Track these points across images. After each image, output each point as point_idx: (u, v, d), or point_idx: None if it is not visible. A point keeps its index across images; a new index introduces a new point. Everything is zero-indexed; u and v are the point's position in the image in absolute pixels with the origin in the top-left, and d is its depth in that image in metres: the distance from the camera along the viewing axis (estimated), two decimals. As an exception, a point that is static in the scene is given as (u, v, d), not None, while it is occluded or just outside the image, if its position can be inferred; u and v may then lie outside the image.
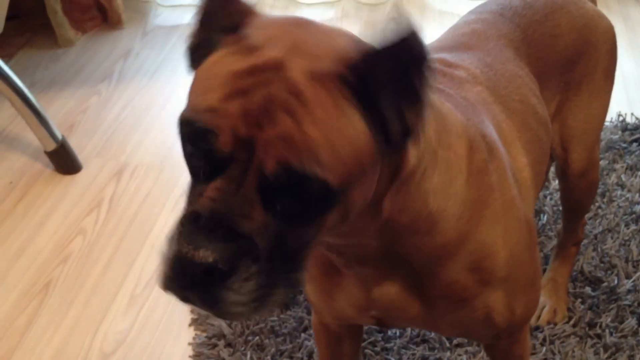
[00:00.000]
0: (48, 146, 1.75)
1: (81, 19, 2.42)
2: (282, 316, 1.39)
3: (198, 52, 0.65)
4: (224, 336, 1.37)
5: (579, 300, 1.44)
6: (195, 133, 0.59)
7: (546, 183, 1.69)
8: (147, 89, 2.13)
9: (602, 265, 1.51)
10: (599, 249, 1.55)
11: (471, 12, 1.13)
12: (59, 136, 1.75)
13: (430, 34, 2.44)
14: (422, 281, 0.80)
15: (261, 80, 0.58)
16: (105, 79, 2.18)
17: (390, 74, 0.59)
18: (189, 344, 1.36)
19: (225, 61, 0.61)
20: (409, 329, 1.38)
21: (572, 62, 1.11)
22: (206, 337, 1.37)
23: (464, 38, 1.04)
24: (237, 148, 0.58)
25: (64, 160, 1.78)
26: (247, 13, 0.64)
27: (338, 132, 0.58)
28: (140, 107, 2.06)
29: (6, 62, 1.68)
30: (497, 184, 0.81)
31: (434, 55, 0.98)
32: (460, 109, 0.82)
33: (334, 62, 0.59)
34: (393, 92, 0.60)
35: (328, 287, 0.88)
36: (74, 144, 1.83)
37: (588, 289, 1.46)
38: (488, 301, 0.83)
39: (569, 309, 1.42)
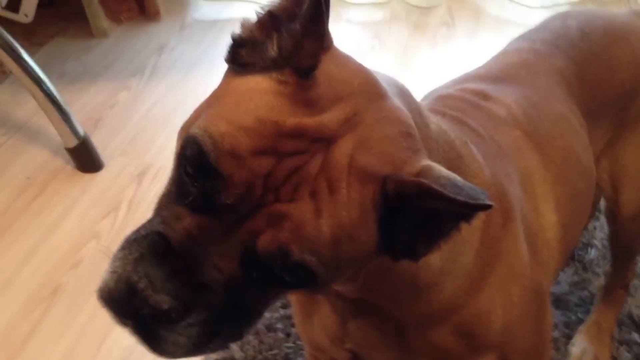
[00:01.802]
0: (69, 142, 1.74)
1: (117, 9, 2.42)
2: (298, 343, 1.35)
3: (242, 49, 0.60)
4: (234, 359, 1.33)
5: (624, 346, 1.38)
6: (203, 165, 0.54)
7: (597, 213, 1.62)
8: (179, 87, 2.11)
9: (652, 310, 1.44)
10: (651, 292, 1.47)
11: (523, 38, 1.07)
12: (81, 133, 1.74)
13: (485, 41, 2.41)
14: (405, 332, 0.77)
15: (304, 150, 0.54)
16: (137, 74, 2.18)
17: (427, 214, 0.56)
18: (198, 365, 1.33)
19: (271, 100, 0.55)
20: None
21: (630, 98, 1.05)
22: (216, 359, 1.34)
23: (512, 69, 0.98)
24: (243, 203, 0.54)
25: (84, 158, 1.77)
26: (325, 44, 0.58)
27: (350, 234, 0.55)
28: (171, 105, 2.04)
29: (36, 51, 1.68)
30: (507, 250, 0.77)
31: (472, 85, 0.94)
32: (488, 158, 0.78)
33: (384, 169, 0.55)
34: (418, 224, 0.56)
35: (308, 308, 0.87)
36: (98, 140, 1.82)
37: (635, 335, 1.39)
38: None
39: (612, 357, 1.37)
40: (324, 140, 0.54)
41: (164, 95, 2.09)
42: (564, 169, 0.92)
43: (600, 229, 1.63)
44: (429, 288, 0.71)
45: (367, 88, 0.58)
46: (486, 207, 0.53)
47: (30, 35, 2.23)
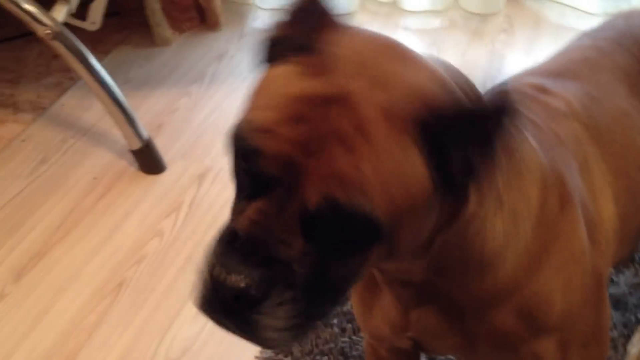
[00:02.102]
0: (133, 145, 1.81)
1: (179, 19, 2.50)
2: (353, 337, 1.37)
3: (274, 49, 0.65)
4: (291, 353, 1.36)
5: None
6: (245, 150, 0.59)
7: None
8: (237, 93, 2.17)
9: None
10: None
11: (585, 36, 1.09)
12: (145, 135, 1.81)
13: (544, 49, 2.40)
14: (466, 317, 0.79)
15: (327, 113, 0.57)
16: (197, 81, 2.25)
17: (467, 133, 0.58)
18: (255, 357, 1.37)
19: (291, 78, 0.60)
20: None
21: None
22: (273, 352, 1.37)
23: (573, 65, 1.00)
24: (284, 172, 0.57)
25: (148, 160, 1.84)
26: (328, 23, 0.63)
27: (396, 174, 0.57)
28: (230, 110, 2.10)
29: (102, 58, 1.76)
30: (566, 234, 0.78)
31: (531, 79, 0.95)
32: (545, 146, 0.79)
33: (414, 105, 0.58)
34: (464, 140, 0.59)
35: (368, 300, 0.88)
36: (160, 144, 1.89)
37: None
38: (538, 350, 0.80)
39: (675, 360, 1.34)
40: (346, 101, 0.57)
41: (223, 101, 2.15)
42: (624, 164, 0.93)
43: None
44: (494, 261, 0.72)
45: (379, 43, 0.63)
46: (509, 110, 0.56)
47: (97, 43, 2.32)
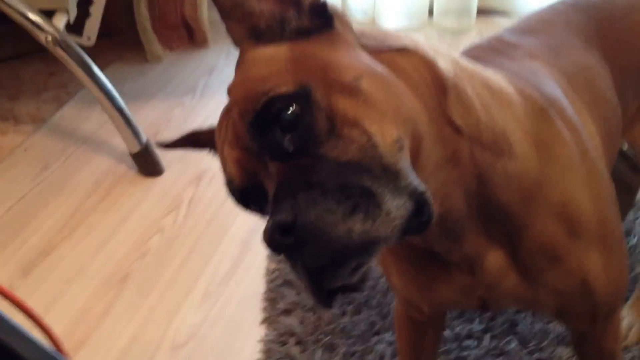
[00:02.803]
0: (133, 148, 1.87)
1: (169, 37, 2.58)
2: (354, 318, 1.42)
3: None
4: (294, 334, 1.41)
5: (670, 322, 1.42)
6: (232, 191, 0.73)
7: (638, 206, 1.68)
8: (228, 103, 2.24)
9: (696, 287, 1.48)
10: (693, 272, 1.52)
11: (545, 6, 1.15)
12: (144, 139, 1.87)
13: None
14: (518, 238, 0.81)
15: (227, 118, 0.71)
16: (190, 93, 2.32)
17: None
18: (259, 340, 1.41)
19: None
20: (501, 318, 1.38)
21: None
22: (277, 334, 1.42)
23: (530, 25, 1.06)
24: (245, 168, 0.69)
25: (147, 163, 1.89)
26: None
27: (263, 68, 0.68)
28: (222, 119, 2.16)
29: (98, 74, 1.84)
30: (569, 136, 0.82)
31: (493, 37, 1.03)
32: (511, 72, 0.85)
33: (241, 43, 0.74)
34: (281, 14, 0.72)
35: (425, 280, 0.90)
36: (158, 150, 1.94)
37: (680, 312, 1.43)
38: (582, 260, 0.83)
39: (658, 330, 1.40)
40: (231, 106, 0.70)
41: (215, 111, 2.20)
42: (590, 96, 0.97)
43: (640, 220, 1.69)
44: (511, 133, 0.77)
45: None
46: None
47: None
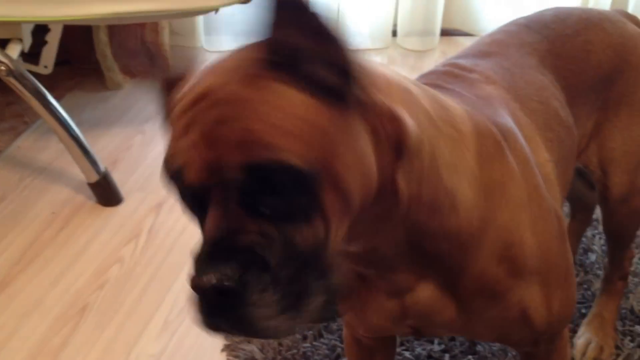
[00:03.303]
0: (91, 177, 1.86)
1: (130, 64, 2.58)
2: (315, 343, 1.43)
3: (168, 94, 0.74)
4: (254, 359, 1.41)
5: (628, 338, 1.44)
6: (173, 179, 0.66)
7: (594, 222, 1.71)
8: (190, 129, 2.24)
9: (653, 303, 1.51)
10: (650, 287, 1.55)
11: (498, 27, 1.17)
12: (102, 168, 1.86)
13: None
14: (454, 278, 0.81)
15: (200, 109, 0.64)
16: (150, 120, 2.31)
17: (290, 36, 0.63)
18: (221, 367, 1.41)
19: (176, 103, 0.68)
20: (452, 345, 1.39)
21: (609, 80, 1.12)
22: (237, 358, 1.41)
23: (484, 47, 1.07)
24: (205, 176, 0.62)
25: (105, 192, 1.88)
26: (186, 73, 0.73)
27: (279, 113, 0.62)
28: (183, 145, 2.16)
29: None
30: (518, 170, 0.82)
31: (448, 61, 1.03)
32: (468, 104, 0.84)
33: (251, 62, 0.64)
34: (306, 50, 0.63)
35: (358, 302, 0.90)
36: (116, 178, 1.93)
37: (638, 327, 1.46)
38: (522, 296, 0.83)
39: (616, 347, 1.42)
40: (210, 92, 0.64)
41: (177, 138, 2.22)
42: (545, 118, 0.98)
43: (599, 237, 1.71)
44: (456, 191, 0.75)
45: (224, 56, 0.70)
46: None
47: (49, 89, 2.35)
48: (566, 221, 1.65)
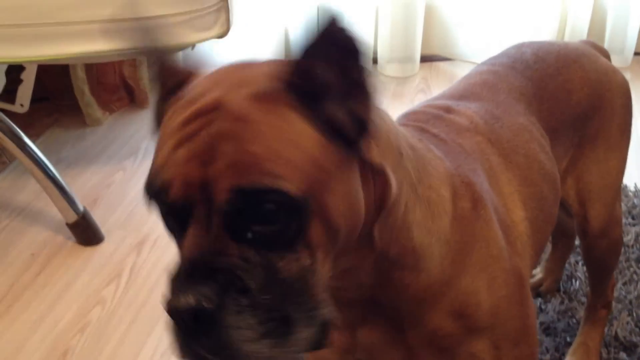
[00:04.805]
0: (69, 218, 1.86)
1: (109, 100, 2.59)
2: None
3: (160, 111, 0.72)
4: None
5: (614, 365, 1.46)
6: (156, 192, 0.64)
7: (578, 250, 1.73)
8: (171, 164, 2.25)
9: (637, 330, 1.53)
10: (634, 314, 1.57)
11: (483, 64, 1.18)
12: (81, 208, 1.87)
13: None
14: (405, 326, 0.83)
15: (205, 122, 0.62)
16: (131, 156, 2.32)
17: (325, 70, 0.63)
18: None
19: (172, 117, 0.66)
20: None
21: (587, 117, 1.15)
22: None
23: (475, 88, 1.08)
24: (193, 192, 0.61)
25: (85, 232, 1.89)
26: (189, 75, 0.71)
27: (285, 142, 0.62)
28: (164, 181, 2.16)
29: (34, 141, 1.83)
30: (482, 234, 0.84)
31: (435, 102, 1.04)
32: (450, 156, 0.87)
33: (271, 80, 0.64)
34: (335, 89, 0.64)
35: None
36: (97, 216, 1.94)
37: (623, 354, 1.47)
38: (473, 350, 0.85)
39: (602, 375, 1.44)
40: (216, 106, 0.63)
41: (158, 173, 2.22)
42: (528, 173, 1.00)
43: (582, 264, 1.74)
44: (424, 250, 0.77)
45: (227, 66, 0.70)
46: (335, 23, 0.60)
47: (27, 127, 2.36)
48: (549, 248, 1.68)
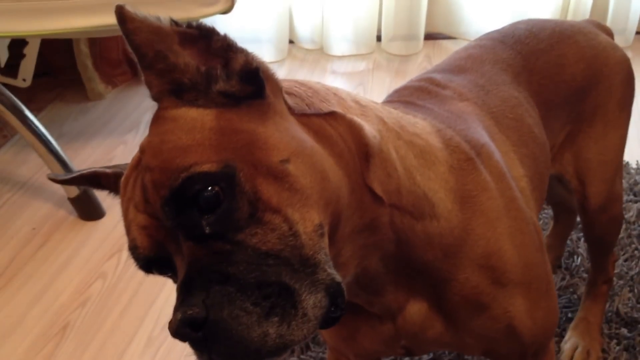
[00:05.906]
0: (71, 192, 1.85)
1: (111, 74, 2.57)
2: (302, 357, 1.42)
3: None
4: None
5: (614, 341, 1.44)
6: (136, 255, 0.68)
7: (579, 226, 1.71)
8: (173, 139, 2.23)
9: (638, 306, 1.51)
10: (635, 290, 1.55)
11: (473, 40, 1.18)
12: (83, 182, 1.85)
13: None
14: (440, 290, 0.82)
15: (137, 173, 0.67)
16: (133, 130, 2.30)
17: (187, 63, 0.66)
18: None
19: (122, 184, 0.71)
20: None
21: (583, 92, 1.13)
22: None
23: (459, 62, 1.07)
24: (154, 238, 0.65)
25: (86, 207, 1.87)
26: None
27: (186, 134, 0.63)
28: (166, 156, 2.15)
29: (36, 115, 1.81)
30: (494, 183, 0.83)
31: (423, 76, 1.04)
32: (439, 119, 0.86)
33: (157, 100, 0.68)
34: (209, 70, 0.66)
35: (348, 331, 0.91)
36: (98, 191, 1.91)
37: (624, 330, 1.46)
38: (506, 306, 0.84)
39: (603, 350, 1.42)
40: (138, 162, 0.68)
41: (160, 148, 2.20)
42: (520, 135, 0.99)
43: (583, 240, 1.72)
44: (433, 195, 0.78)
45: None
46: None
47: (29, 102, 2.35)
48: (550, 224, 1.66)
